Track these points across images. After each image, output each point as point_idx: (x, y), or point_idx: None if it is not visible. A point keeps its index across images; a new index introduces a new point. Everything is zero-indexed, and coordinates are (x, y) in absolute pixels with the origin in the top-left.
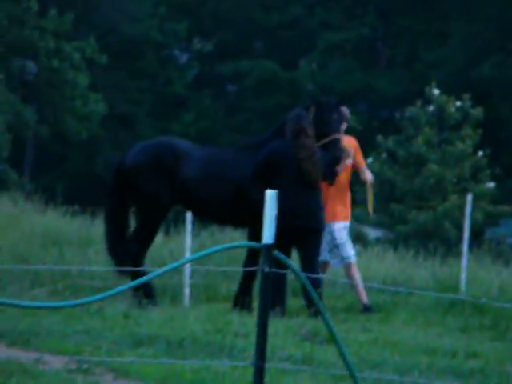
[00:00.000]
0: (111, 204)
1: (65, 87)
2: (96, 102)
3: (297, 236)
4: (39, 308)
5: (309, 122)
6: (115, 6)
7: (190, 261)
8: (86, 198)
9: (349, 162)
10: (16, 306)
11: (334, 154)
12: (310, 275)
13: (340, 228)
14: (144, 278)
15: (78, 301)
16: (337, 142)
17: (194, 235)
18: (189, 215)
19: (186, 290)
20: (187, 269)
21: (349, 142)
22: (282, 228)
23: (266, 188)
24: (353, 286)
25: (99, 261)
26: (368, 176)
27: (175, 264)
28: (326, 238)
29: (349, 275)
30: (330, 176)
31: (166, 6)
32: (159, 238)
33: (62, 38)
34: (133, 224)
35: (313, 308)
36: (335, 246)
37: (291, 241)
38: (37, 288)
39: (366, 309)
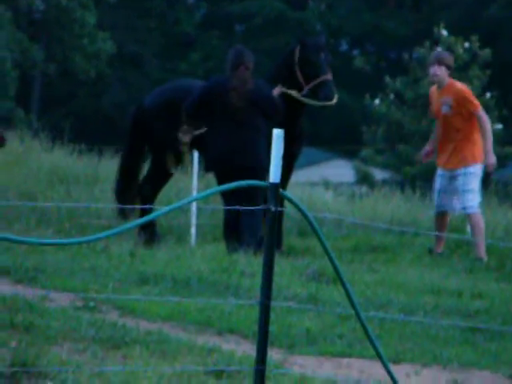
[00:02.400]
0: (127, 145)
1: (73, 25)
2: (104, 40)
3: (233, 174)
4: (46, 245)
5: (250, 56)
6: None
7: (196, 199)
8: (94, 137)
9: (446, 110)
10: (23, 242)
11: (324, 95)
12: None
13: (469, 172)
14: (150, 216)
15: (85, 238)
16: (325, 83)
17: (201, 175)
18: (195, 155)
19: (193, 230)
20: (193, 208)
21: (458, 90)
22: (218, 167)
23: (202, 123)
24: (360, 227)
25: (106, 199)
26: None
27: (181, 202)
28: (453, 184)
29: (474, 225)
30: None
31: None
32: None
33: None
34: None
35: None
36: (464, 192)
37: (230, 180)
38: (43, 226)
39: (478, 260)
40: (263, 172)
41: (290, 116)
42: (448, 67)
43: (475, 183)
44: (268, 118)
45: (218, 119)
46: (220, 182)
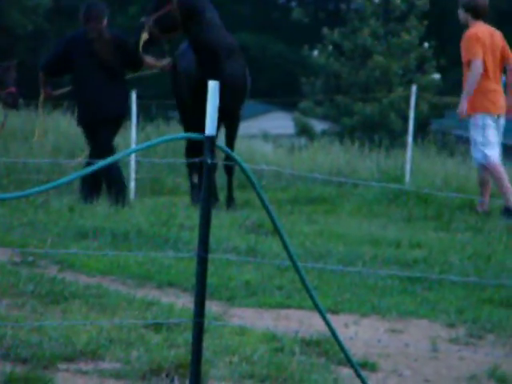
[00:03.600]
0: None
1: None
2: None
3: (96, 124)
4: None
5: (102, 9)
6: None
7: (134, 152)
8: (31, 92)
9: None
10: None
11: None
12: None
13: (471, 124)
14: (87, 170)
15: (23, 192)
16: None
17: (140, 128)
18: (133, 108)
19: (132, 184)
20: (132, 162)
21: (465, 36)
22: (82, 117)
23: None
24: (299, 178)
25: (44, 154)
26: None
27: (119, 155)
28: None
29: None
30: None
31: None
32: None
33: None
34: None
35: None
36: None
37: (92, 129)
38: None
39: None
40: (122, 122)
41: (202, 64)
42: (466, 9)
43: (477, 134)
44: (129, 67)
45: (80, 73)
46: (88, 133)
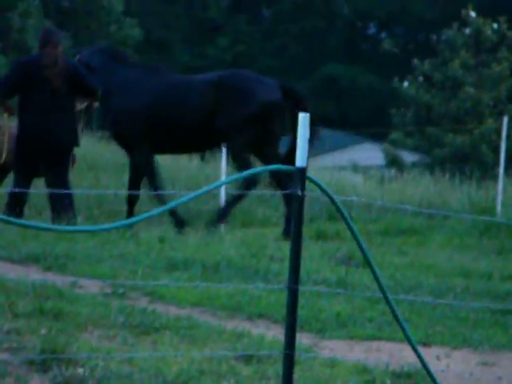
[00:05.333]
0: None
1: (100, 13)
2: (131, 27)
3: (46, 154)
4: (75, 232)
5: (58, 36)
6: None
7: (224, 183)
8: None
9: None
10: (52, 230)
11: None
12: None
13: None
14: (178, 201)
15: (113, 224)
16: None
17: (230, 160)
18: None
19: None
20: (222, 193)
21: None
22: (30, 146)
23: (22, 103)
24: (389, 210)
25: None
26: None
27: (209, 187)
28: None
29: None
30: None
31: None
32: (195, 163)
33: None
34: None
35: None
36: None
37: (39, 158)
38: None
39: None
40: (71, 152)
41: None
42: None
43: None
44: (81, 94)
45: (32, 97)
46: (23, 160)
